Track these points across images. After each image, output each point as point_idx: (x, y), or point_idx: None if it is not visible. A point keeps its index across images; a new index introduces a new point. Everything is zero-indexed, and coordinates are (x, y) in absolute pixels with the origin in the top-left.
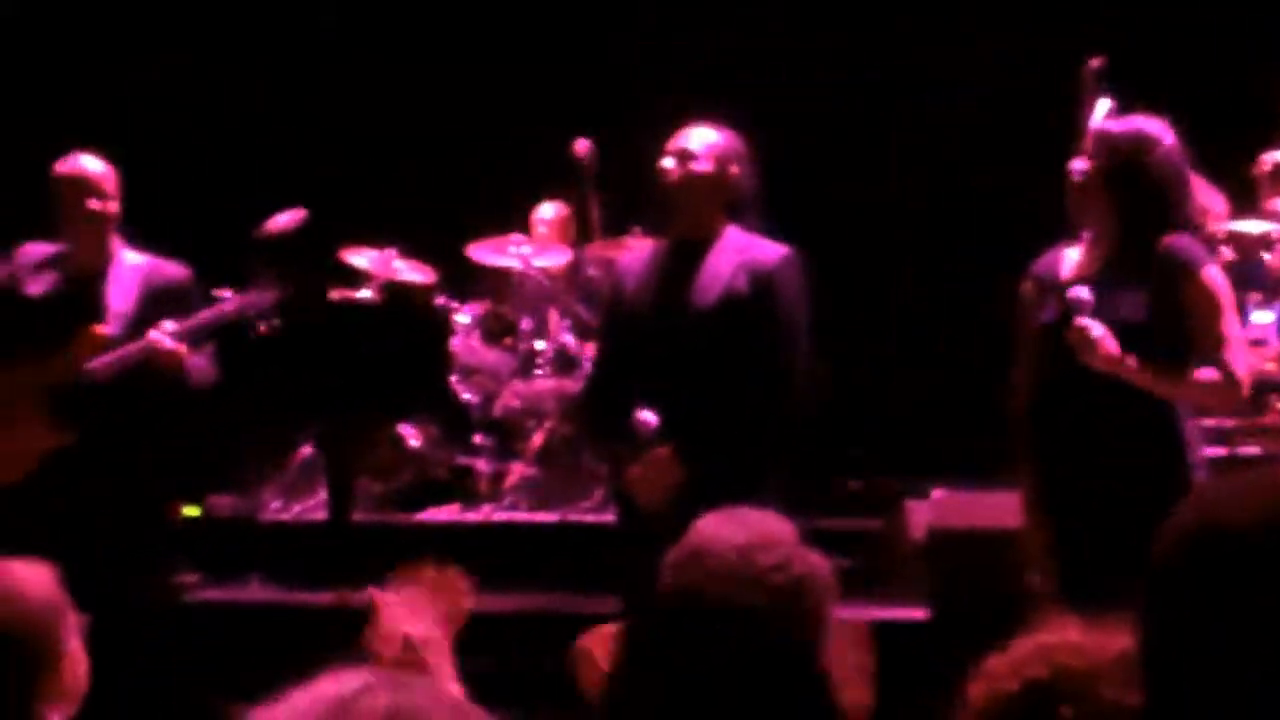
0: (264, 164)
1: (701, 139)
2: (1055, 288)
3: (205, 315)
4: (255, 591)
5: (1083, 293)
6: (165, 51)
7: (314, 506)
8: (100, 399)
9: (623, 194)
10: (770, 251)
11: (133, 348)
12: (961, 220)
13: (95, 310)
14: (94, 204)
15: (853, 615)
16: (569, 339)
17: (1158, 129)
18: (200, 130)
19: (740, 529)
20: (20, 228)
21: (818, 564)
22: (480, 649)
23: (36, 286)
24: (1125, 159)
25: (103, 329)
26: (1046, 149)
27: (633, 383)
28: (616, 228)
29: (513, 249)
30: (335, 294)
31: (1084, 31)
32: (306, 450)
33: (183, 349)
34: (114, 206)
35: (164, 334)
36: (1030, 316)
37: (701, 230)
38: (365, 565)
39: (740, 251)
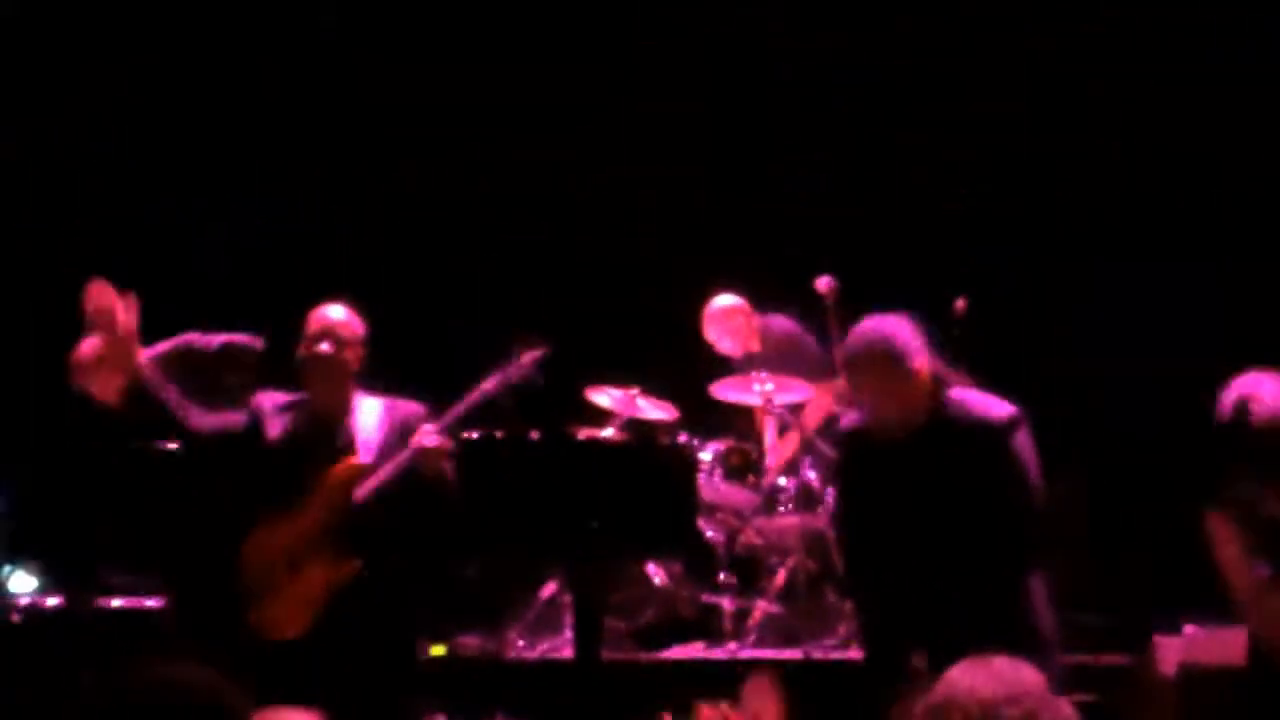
0: (508, 300)
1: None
2: None
3: (468, 399)
4: None
5: None
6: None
7: (559, 645)
8: (371, 530)
9: None
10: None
11: (400, 457)
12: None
13: (342, 448)
14: (335, 350)
15: None
16: (812, 475)
17: None
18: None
19: (989, 680)
20: None
21: (1065, 715)
22: None
23: (276, 430)
24: None
25: (356, 459)
26: None
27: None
28: None
29: (756, 386)
30: (580, 433)
31: None
32: (552, 589)
33: (449, 444)
34: (357, 354)
35: (428, 433)
36: None
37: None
38: (611, 704)
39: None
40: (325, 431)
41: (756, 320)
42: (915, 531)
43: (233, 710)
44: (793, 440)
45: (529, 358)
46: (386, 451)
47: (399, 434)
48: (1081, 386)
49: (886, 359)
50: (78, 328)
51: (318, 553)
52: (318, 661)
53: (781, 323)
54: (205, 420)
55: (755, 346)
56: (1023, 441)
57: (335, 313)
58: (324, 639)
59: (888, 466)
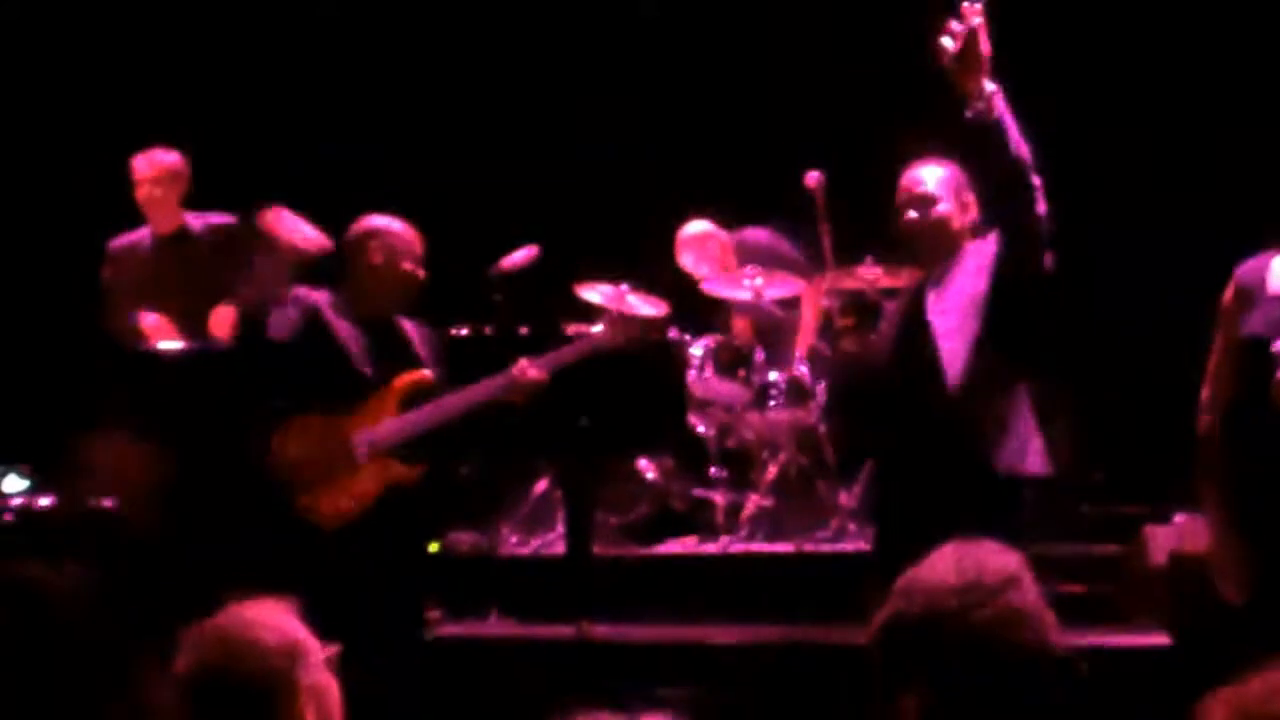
0: (497, 201)
1: (935, 178)
2: (1262, 301)
3: (576, 348)
4: (494, 626)
5: None
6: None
7: (552, 541)
8: (437, 439)
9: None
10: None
11: (496, 382)
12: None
13: (404, 355)
14: (410, 266)
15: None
16: (803, 370)
17: None
18: (432, 167)
19: (946, 568)
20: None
21: (1016, 606)
22: (720, 679)
23: (343, 330)
24: None
25: (425, 372)
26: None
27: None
28: (849, 258)
29: (746, 281)
30: (569, 329)
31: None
32: (543, 485)
33: (545, 377)
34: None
35: (529, 367)
36: (1230, 326)
37: (949, 256)
38: (604, 599)
39: (978, 254)
40: (381, 335)
41: (730, 238)
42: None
43: (86, 628)
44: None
45: (640, 325)
46: (434, 366)
47: (435, 352)
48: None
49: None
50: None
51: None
52: (350, 552)
53: (756, 234)
54: (281, 329)
55: (731, 267)
56: None
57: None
58: (357, 532)
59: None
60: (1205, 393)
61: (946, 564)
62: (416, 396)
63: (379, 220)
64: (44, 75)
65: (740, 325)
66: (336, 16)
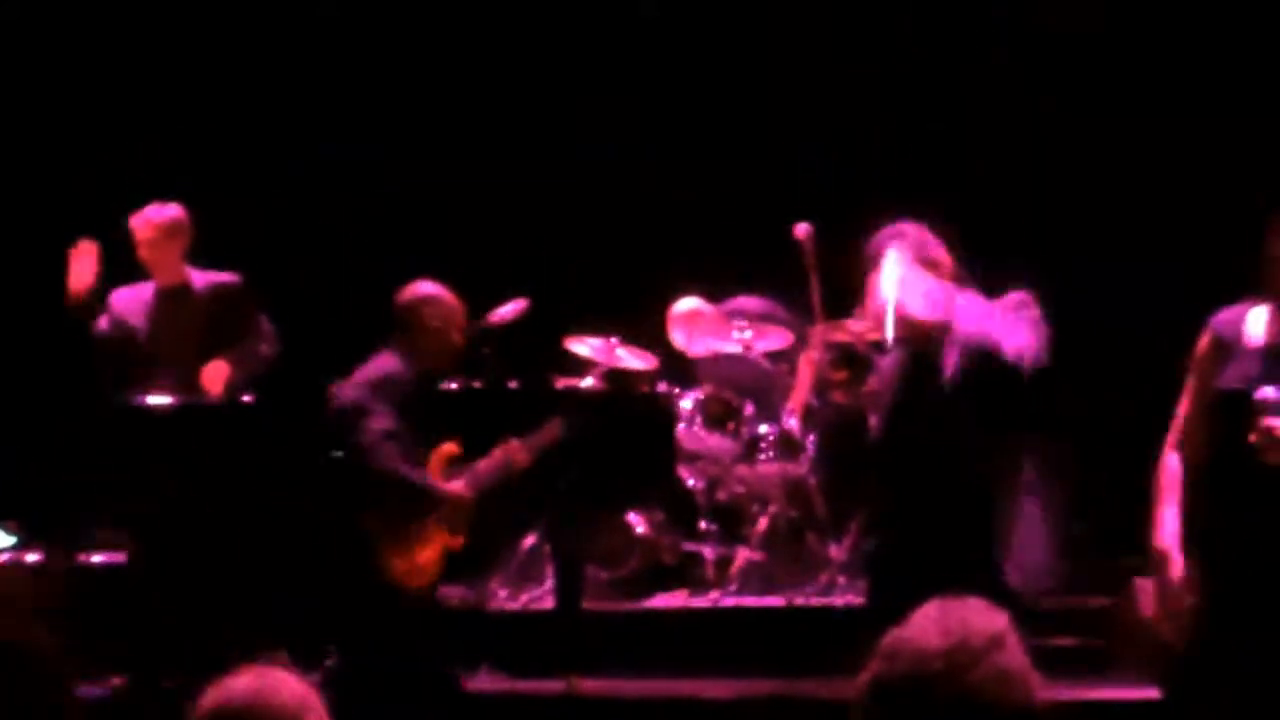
0: (487, 254)
1: (888, 284)
2: (1239, 354)
3: (546, 433)
4: (484, 681)
5: (1271, 393)
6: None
7: (541, 595)
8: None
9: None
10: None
11: (499, 461)
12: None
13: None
14: (459, 336)
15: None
16: (793, 423)
17: None
18: (423, 220)
19: (932, 628)
20: None
21: (1001, 670)
22: None
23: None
24: None
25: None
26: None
27: None
28: (838, 310)
29: (735, 334)
30: (560, 383)
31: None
32: (532, 539)
33: (529, 461)
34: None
35: (517, 450)
36: (1203, 375)
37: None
38: (593, 653)
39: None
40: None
41: (721, 308)
42: None
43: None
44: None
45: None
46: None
47: None
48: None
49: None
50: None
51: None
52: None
53: (747, 301)
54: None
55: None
56: None
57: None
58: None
59: None
60: (1172, 434)
61: (931, 624)
62: (454, 464)
63: (433, 287)
64: (42, 80)
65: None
66: (336, 16)
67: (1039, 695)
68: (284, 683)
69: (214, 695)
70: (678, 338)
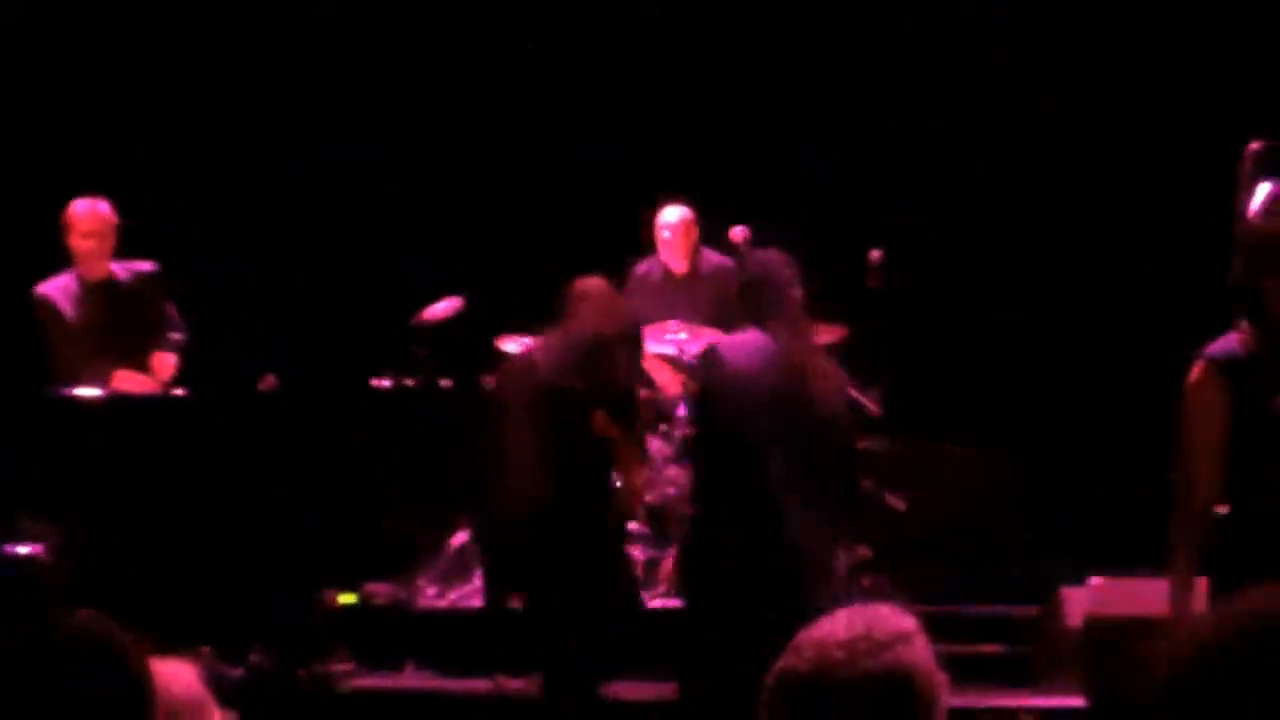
0: (421, 252)
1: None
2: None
3: None
4: (410, 678)
5: None
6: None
7: (470, 594)
8: None
9: None
10: None
11: None
12: (1116, 304)
13: None
14: None
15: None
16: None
17: None
18: (358, 217)
19: (838, 623)
20: None
21: (908, 662)
22: None
23: None
24: None
25: None
26: (1207, 234)
27: None
28: None
29: (669, 336)
30: (490, 382)
31: (1245, 114)
32: (462, 537)
33: None
34: None
35: None
36: (1209, 406)
37: None
38: (520, 652)
39: None
40: None
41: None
42: None
43: (124, 653)
44: None
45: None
46: None
47: None
48: (997, 340)
49: None
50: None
51: None
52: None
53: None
54: None
55: (686, 266)
56: None
57: None
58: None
59: None
60: (1194, 472)
61: (838, 621)
62: None
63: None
64: (41, 79)
65: (663, 379)
66: (336, 16)
67: (943, 697)
68: (175, 678)
69: None
70: (667, 244)
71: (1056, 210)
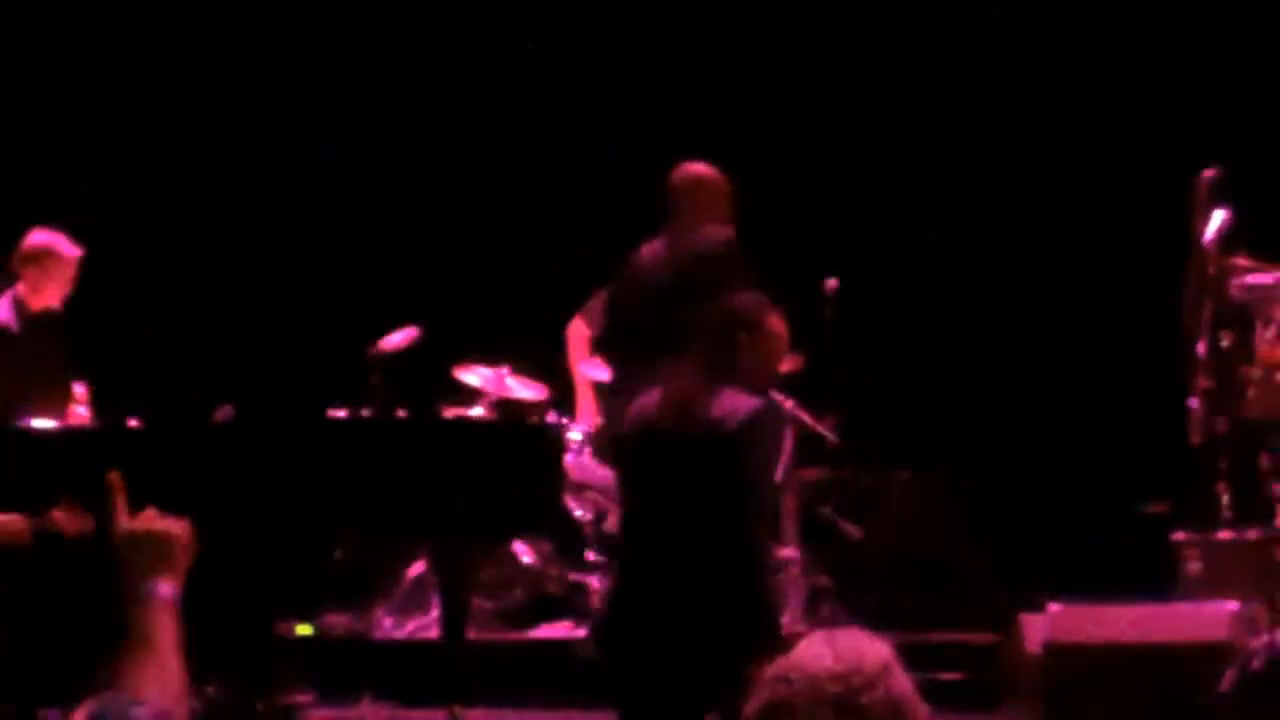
0: (378, 282)
1: None
2: None
3: None
4: (368, 710)
5: None
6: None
7: (427, 625)
8: None
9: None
10: None
11: None
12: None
13: None
14: None
15: None
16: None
17: None
18: (314, 247)
19: (823, 653)
20: None
21: (896, 693)
22: None
23: None
24: None
25: None
26: (1161, 259)
27: None
28: None
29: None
30: (448, 411)
31: (1198, 140)
32: (419, 568)
33: None
34: None
35: None
36: None
37: None
38: (478, 684)
39: None
40: None
41: None
42: None
43: None
44: None
45: None
46: None
47: None
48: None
49: None
50: None
51: None
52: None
53: None
54: None
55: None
56: None
57: None
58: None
59: None
60: None
61: (822, 649)
62: None
63: None
64: (41, 78)
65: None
66: (336, 16)
67: None
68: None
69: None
70: (684, 202)
71: (1055, 211)
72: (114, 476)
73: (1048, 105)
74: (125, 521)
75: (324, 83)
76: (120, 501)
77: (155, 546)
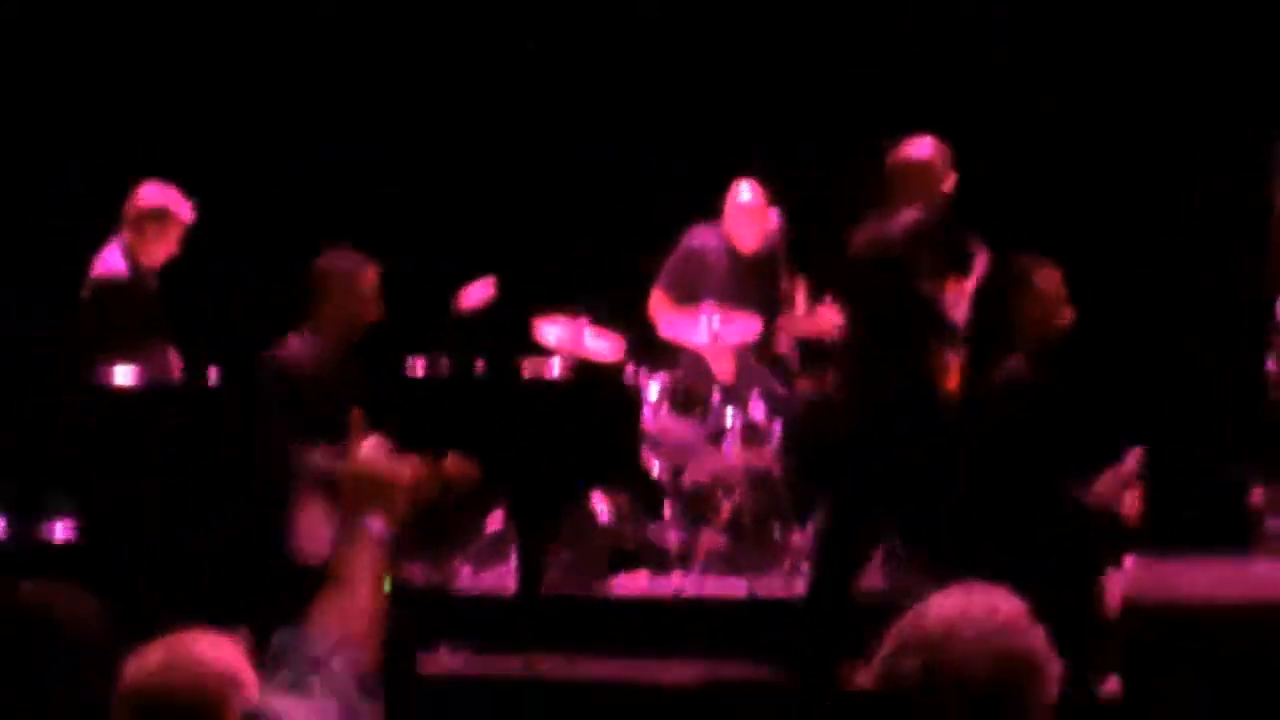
0: (456, 234)
1: None
2: None
3: None
4: (443, 660)
5: None
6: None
7: (504, 576)
8: None
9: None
10: None
11: None
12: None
13: None
14: None
15: None
16: (758, 412)
17: None
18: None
19: (959, 602)
20: None
21: (1030, 646)
22: (667, 718)
23: None
24: None
25: None
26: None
27: None
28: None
29: (703, 318)
30: (527, 365)
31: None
32: (498, 520)
33: None
34: None
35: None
36: None
37: None
38: (554, 635)
39: None
40: None
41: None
42: None
43: (91, 636)
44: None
45: None
46: None
47: None
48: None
49: None
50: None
51: None
52: None
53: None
54: None
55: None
56: None
57: None
58: None
59: None
60: None
61: (954, 606)
62: None
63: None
64: (41, 78)
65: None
66: (336, 16)
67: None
68: (204, 652)
69: (131, 669)
70: (739, 225)
71: (1055, 211)
72: (357, 414)
73: (1048, 105)
74: (353, 458)
75: (323, 83)
76: (357, 438)
77: (375, 486)
